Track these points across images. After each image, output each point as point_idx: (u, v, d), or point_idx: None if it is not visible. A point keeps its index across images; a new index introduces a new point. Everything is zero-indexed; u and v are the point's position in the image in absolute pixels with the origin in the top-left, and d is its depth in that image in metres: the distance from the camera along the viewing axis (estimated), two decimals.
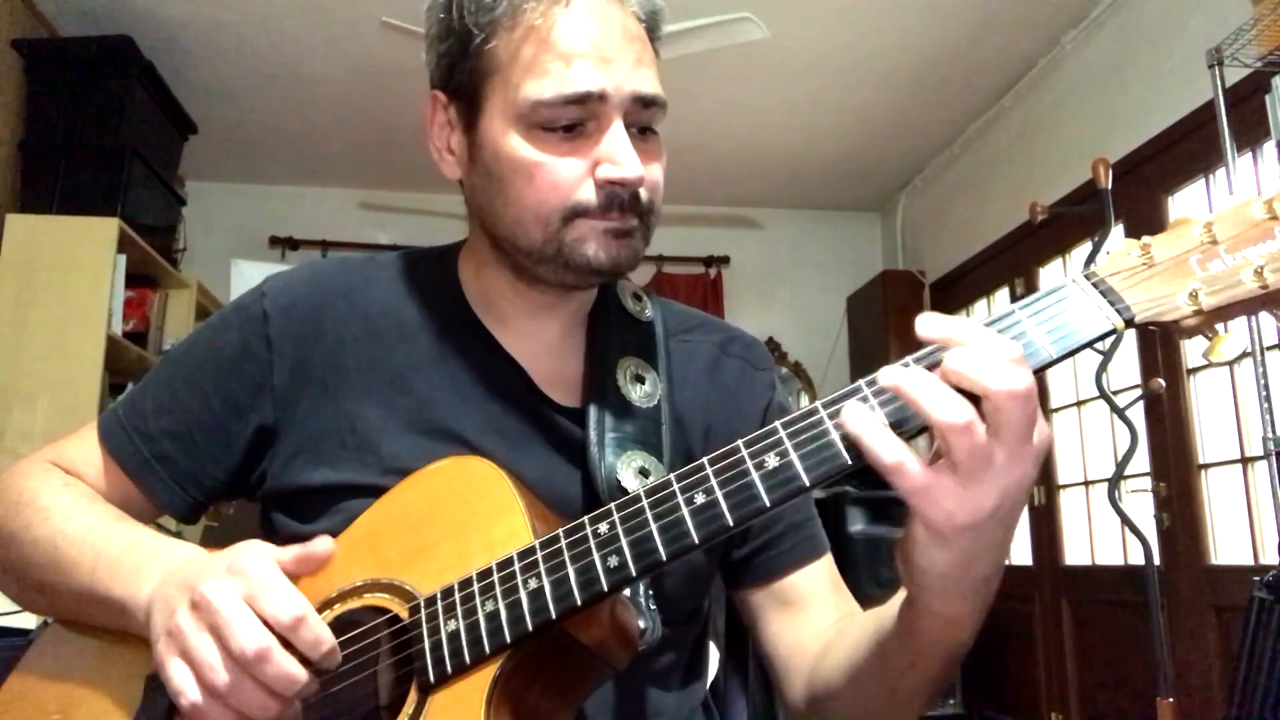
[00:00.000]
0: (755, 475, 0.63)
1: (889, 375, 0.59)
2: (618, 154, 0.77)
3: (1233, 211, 0.62)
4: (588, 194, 0.78)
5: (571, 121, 0.78)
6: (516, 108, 0.78)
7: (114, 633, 0.79)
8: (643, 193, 0.80)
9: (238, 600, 0.67)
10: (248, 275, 4.26)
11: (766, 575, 0.91)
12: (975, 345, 0.58)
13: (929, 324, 0.59)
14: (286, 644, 0.67)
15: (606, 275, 0.83)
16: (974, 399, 0.57)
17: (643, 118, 0.81)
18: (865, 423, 0.59)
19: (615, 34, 0.79)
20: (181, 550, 0.77)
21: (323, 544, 0.76)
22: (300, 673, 0.66)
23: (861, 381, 0.63)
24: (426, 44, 0.87)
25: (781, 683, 0.90)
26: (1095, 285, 0.63)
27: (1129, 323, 0.62)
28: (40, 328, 3.11)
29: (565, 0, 0.78)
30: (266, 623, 0.66)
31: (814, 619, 0.90)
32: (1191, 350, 2.90)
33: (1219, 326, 0.63)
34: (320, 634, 0.67)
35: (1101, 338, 0.62)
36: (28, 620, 1.67)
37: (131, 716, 0.75)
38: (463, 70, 0.82)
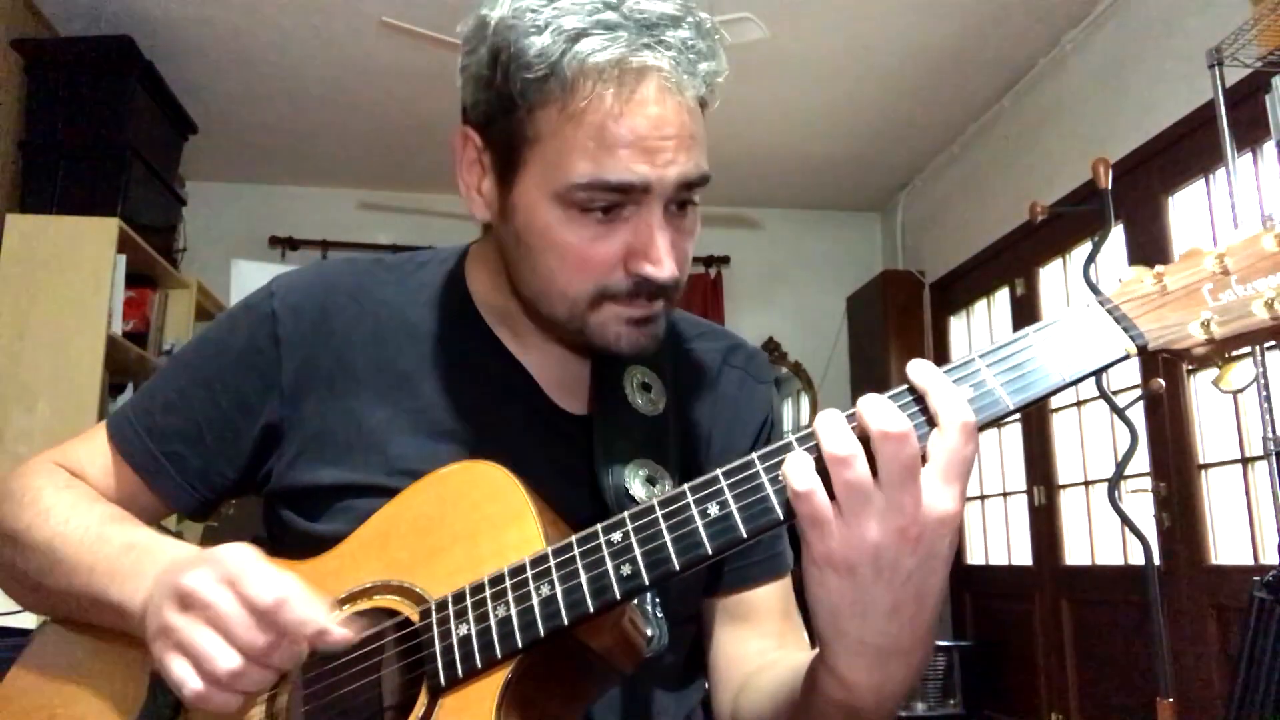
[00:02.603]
0: (770, 490, 0.64)
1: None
2: (654, 252, 0.75)
3: (1244, 243, 0.63)
4: (618, 280, 0.77)
5: (609, 204, 0.75)
6: (554, 185, 0.75)
7: (114, 630, 0.79)
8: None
9: (219, 586, 0.67)
10: (248, 275, 4.26)
11: (726, 587, 0.92)
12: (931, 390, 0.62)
13: (914, 369, 0.63)
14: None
15: (625, 357, 0.83)
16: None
17: (683, 195, 0.78)
18: (796, 464, 0.61)
19: (668, 124, 0.74)
20: (175, 550, 0.77)
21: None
22: (301, 654, 0.67)
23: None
24: (462, 73, 0.81)
25: (714, 691, 0.92)
26: (1109, 311, 0.64)
27: (1142, 349, 0.63)
28: (40, 328, 3.11)
29: (618, 87, 0.73)
30: (251, 607, 0.66)
31: (758, 636, 0.91)
32: None
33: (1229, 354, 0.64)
34: (305, 615, 0.66)
35: (1114, 363, 0.63)
36: (28, 620, 1.66)
37: (133, 713, 0.76)
38: (502, 130, 0.78)
